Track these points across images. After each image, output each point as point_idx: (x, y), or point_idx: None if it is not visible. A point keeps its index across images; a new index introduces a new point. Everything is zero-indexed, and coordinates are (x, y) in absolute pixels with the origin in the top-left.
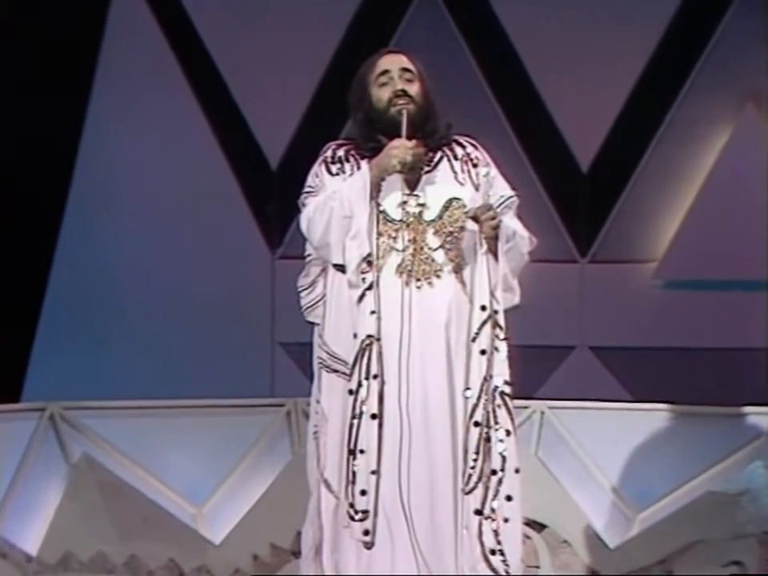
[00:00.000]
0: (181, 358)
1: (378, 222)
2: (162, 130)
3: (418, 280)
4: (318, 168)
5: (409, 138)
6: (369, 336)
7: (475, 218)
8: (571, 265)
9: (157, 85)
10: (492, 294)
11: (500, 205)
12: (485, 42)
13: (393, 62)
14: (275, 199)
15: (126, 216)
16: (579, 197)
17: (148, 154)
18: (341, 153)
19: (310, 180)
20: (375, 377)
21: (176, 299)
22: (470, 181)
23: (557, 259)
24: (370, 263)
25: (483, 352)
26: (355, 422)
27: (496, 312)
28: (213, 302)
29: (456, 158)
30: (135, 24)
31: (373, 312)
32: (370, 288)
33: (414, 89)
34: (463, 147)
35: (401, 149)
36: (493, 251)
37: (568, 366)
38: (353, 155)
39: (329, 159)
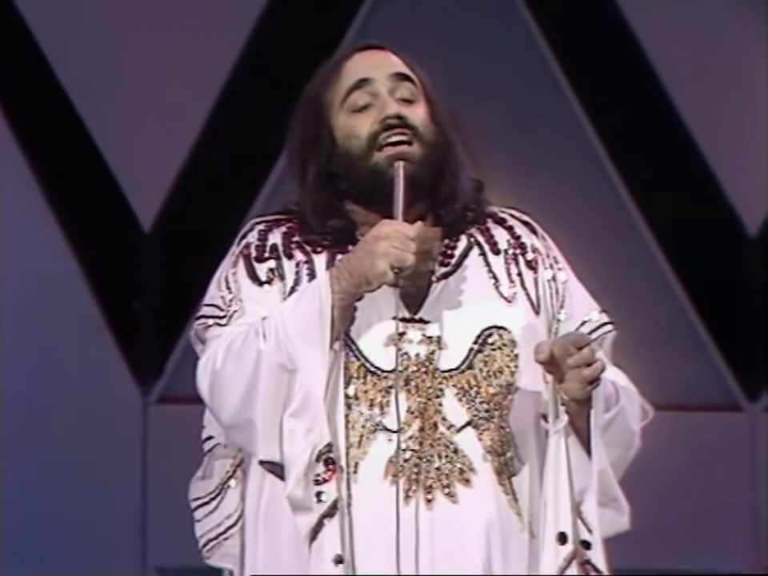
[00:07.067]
0: None
1: (349, 377)
2: None
3: (429, 490)
4: (229, 270)
5: (409, 217)
6: None
7: (549, 364)
8: (733, 415)
9: None
10: (578, 512)
11: None
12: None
13: (375, 65)
14: (148, 288)
15: None
16: (745, 294)
17: None
18: (275, 239)
19: (215, 292)
20: None
21: None
22: (524, 294)
23: (707, 406)
24: (330, 463)
25: None
26: None
27: (587, 546)
28: (35, 485)
29: (496, 251)
30: None
31: (339, 560)
32: (332, 513)
33: (417, 114)
34: (509, 229)
35: (396, 240)
36: (579, 429)
37: None
38: (298, 244)
39: (252, 253)
